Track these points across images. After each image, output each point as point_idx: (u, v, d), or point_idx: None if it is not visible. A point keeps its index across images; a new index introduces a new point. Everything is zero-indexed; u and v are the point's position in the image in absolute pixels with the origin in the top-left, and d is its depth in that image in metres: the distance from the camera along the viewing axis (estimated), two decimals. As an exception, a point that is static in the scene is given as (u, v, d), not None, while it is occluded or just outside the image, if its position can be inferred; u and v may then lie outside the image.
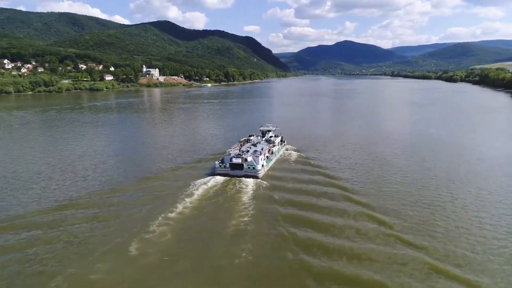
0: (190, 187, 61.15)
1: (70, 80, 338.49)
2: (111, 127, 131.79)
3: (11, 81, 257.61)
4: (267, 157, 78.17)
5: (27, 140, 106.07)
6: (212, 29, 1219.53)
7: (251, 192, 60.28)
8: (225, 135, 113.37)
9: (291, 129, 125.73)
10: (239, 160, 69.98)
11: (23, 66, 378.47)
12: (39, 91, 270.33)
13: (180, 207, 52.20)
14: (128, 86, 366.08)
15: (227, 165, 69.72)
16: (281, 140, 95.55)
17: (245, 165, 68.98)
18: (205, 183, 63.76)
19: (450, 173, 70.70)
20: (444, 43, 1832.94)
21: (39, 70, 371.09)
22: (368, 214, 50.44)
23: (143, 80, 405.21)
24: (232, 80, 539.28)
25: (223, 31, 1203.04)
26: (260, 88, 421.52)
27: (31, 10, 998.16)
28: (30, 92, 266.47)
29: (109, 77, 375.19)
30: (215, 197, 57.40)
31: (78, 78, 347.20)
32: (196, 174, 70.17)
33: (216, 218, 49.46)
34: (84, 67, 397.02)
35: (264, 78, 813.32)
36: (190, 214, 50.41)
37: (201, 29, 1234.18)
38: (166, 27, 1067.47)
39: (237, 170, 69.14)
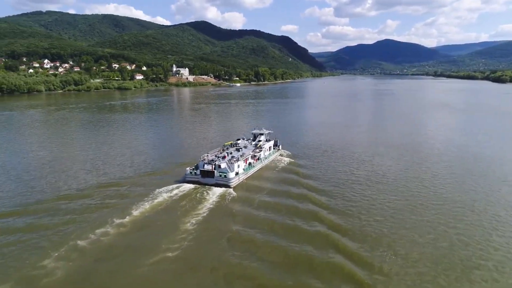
0: (150, 195, 56.14)
1: (102, 79, 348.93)
2: (104, 127, 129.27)
3: (43, 80, 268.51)
4: (249, 163, 71.68)
5: None
6: (249, 29, 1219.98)
7: (212, 205, 53.79)
8: (225, 138, 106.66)
9: (297, 132, 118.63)
10: (210, 167, 64.09)
11: (61, 66, 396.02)
12: (68, 90, 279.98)
13: (121, 220, 47.05)
14: (156, 86, 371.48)
15: (198, 172, 64.09)
16: (276, 145, 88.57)
17: (216, 173, 62.90)
18: (168, 191, 58.51)
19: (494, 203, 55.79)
20: (495, 41, 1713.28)
21: (75, 70, 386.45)
22: (342, 250, 40.58)
23: (172, 80, 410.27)
24: (262, 79, 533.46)
25: (259, 30, 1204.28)
26: (289, 88, 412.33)
27: (79, 13, 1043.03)
28: (60, 91, 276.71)
29: (139, 76, 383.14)
30: (167, 209, 51.61)
31: (109, 77, 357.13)
32: (167, 180, 65.04)
33: (150, 236, 43.33)
34: (117, 66, 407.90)
35: (298, 77, 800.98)
36: (127, 228, 45.09)
37: (237, 29, 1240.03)
38: (203, 27, 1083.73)
39: (208, 177, 63.20)
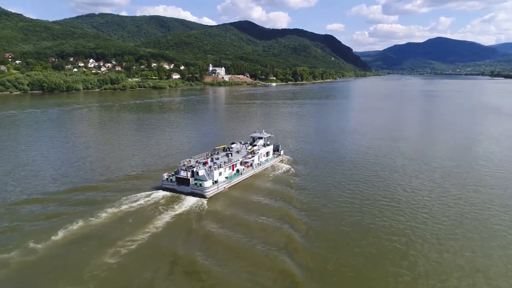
0: (115, 202, 52.51)
1: (139, 78, 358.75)
2: (107, 127, 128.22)
3: (81, 79, 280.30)
4: (237, 170, 65.92)
5: None
6: (295, 28, 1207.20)
7: (173, 219, 48.36)
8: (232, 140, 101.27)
9: (309, 137, 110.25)
10: (186, 174, 59.17)
11: (104, 65, 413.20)
12: (105, 89, 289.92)
13: (65, 230, 43.40)
14: (191, 85, 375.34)
15: (174, 179, 59.43)
16: (277, 150, 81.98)
17: (192, 180, 57.82)
18: (137, 199, 54.33)
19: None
20: None
21: (117, 69, 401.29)
22: None
23: (208, 79, 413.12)
24: (300, 79, 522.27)
25: (302, 29, 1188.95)
26: (326, 89, 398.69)
27: (131, 15, 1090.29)
28: (97, 90, 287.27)
29: (176, 76, 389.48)
30: (120, 220, 47.13)
31: (147, 76, 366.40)
32: (146, 185, 61.26)
33: (76, 254, 38.84)
34: (156, 66, 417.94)
35: (340, 77, 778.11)
36: (65, 241, 41.34)
37: (280, 28, 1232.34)
38: (246, 27, 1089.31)
39: (183, 185, 58.31)
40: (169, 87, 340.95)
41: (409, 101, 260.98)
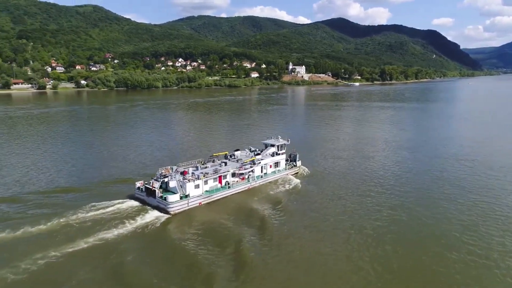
0: (76, 209, 49.08)
1: (219, 76, 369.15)
2: (136, 124, 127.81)
3: (161, 77, 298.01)
4: (226, 183, 57.68)
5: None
6: (393, 24, 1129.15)
7: (118, 237, 42.71)
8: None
9: (347, 148, 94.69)
10: (156, 184, 53.11)
11: (190, 64, 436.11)
12: (182, 87, 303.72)
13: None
14: (268, 84, 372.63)
15: (144, 189, 53.86)
16: (293, 160, 70.99)
17: (157, 193, 51.49)
18: (101, 208, 50.38)
19: None
20: None
21: (201, 67, 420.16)
22: None
23: (286, 78, 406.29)
24: (389, 79, 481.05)
25: (401, 25, 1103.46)
26: (415, 90, 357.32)
27: (230, 16, 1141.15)
28: (175, 87, 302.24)
29: (254, 75, 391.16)
30: (62, 231, 43.46)
31: (227, 75, 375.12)
32: (122, 192, 56.87)
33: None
34: (237, 64, 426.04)
35: (440, 77, 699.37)
36: None
37: (376, 25, 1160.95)
38: (339, 24, 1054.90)
39: (151, 197, 52.39)
40: (245, 85, 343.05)
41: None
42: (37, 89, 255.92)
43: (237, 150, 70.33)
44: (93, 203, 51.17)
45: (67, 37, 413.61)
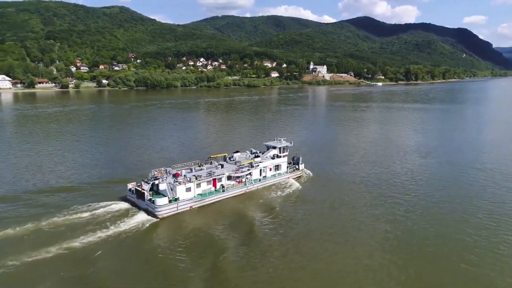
0: (67, 210, 48.58)
1: (239, 76, 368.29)
2: (140, 124, 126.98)
3: (180, 77, 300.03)
4: (221, 186, 55.85)
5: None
6: (421, 22, 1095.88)
7: (99, 240, 41.84)
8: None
9: (357, 151, 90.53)
10: (146, 186, 51.93)
11: (210, 64, 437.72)
12: (201, 86, 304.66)
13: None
14: (288, 83, 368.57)
15: (135, 191, 52.74)
16: (295, 163, 68.34)
17: (146, 195, 50.22)
18: (93, 209, 49.67)
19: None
20: None
21: (222, 67, 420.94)
22: None
23: (307, 78, 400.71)
24: (414, 79, 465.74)
25: (429, 24, 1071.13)
26: (441, 90, 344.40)
27: (254, 16, 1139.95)
28: (194, 87, 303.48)
29: (274, 74, 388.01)
30: (42, 235, 42.63)
31: (246, 74, 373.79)
32: (115, 193, 56.02)
33: None
34: (258, 64, 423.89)
35: (469, 77, 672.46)
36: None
37: (403, 23, 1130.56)
38: (364, 23, 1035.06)
39: (141, 199, 51.21)
40: (264, 85, 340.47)
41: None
42: (60, 88, 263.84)
43: (237, 151, 68.23)
44: (85, 204, 51.14)
45: (93, 37, 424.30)
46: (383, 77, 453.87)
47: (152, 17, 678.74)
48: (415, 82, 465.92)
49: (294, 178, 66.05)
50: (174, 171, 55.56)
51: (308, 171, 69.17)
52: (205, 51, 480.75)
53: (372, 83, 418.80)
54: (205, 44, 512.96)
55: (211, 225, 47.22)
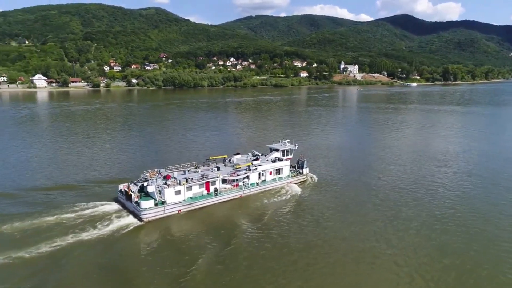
0: (54, 210, 48.37)
1: (267, 76, 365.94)
2: (149, 124, 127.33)
3: (207, 77, 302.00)
4: (214, 189, 53.93)
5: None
6: (465, 19, 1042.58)
7: (77, 242, 41.08)
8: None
9: (372, 155, 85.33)
10: (132, 188, 50.92)
11: (240, 64, 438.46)
12: (227, 86, 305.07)
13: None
14: (317, 83, 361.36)
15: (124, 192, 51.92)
16: (299, 167, 65.15)
17: (133, 197, 49.20)
18: (82, 209, 49.12)
19: None
20: None
21: (251, 67, 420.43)
22: None
23: (337, 77, 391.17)
24: (452, 79, 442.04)
25: (473, 21, 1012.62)
26: (483, 91, 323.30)
27: (289, 15, 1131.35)
28: (221, 86, 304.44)
29: (304, 74, 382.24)
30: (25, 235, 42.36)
31: (275, 74, 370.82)
32: (109, 194, 55.52)
33: None
34: (287, 63, 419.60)
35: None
36: None
37: (445, 21, 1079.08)
38: (402, 21, 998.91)
39: (129, 201, 50.29)
40: (291, 85, 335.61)
41: None
42: (92, 87, 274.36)
43: (237, 153, 65.98)
44: (75, 204, 50.97)
45: (127, 38, 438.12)
46: (418, 77, 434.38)
47: (189, 18, 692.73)
48: (454, 82, 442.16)
49: (297, 183, 62.81)
50: (166, 173, 54.21)
51: (313, 176, 65.62)
52: (235, 51, 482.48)
53: (406, 83, 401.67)
54: (236, 44, 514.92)
55: (195, 231, 45.34)
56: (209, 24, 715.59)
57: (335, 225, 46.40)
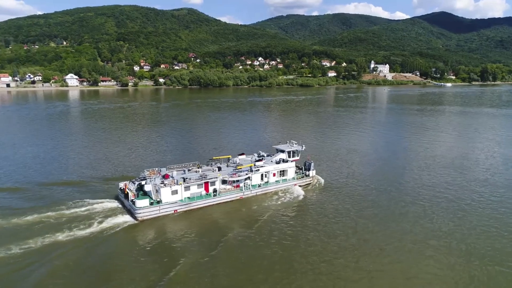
0: (53, 206, 49.67)
1: (294, 75, 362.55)
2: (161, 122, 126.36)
3: (233, 76, 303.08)
4: (214, 190, 53.51)
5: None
6: (509, 16, 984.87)
7: (58, 239, 41.70)
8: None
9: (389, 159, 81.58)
10: (131, 187, 51.27)
11: (268, 63, 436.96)
12: (252, 85, 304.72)
13: None
14: (345, 83, 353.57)
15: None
16: (306, 169, 63.40)
17: (130, 196, 49.62)
18: (80, 206, 50.06)
19: None
20: None
21: (279, 66, 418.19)
22: None
23: (366, 77, 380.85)
24: (491, 79, 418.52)
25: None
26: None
27: (322, 14, 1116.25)
28: (246, 86, 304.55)
29: (332, 74, 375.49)
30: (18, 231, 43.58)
31: (302, 74, 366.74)
32: (110, 190, 56.52)
33: None
34: (315, 63, 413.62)
35: None
36: None
37: (487, 18, 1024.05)
38: (440, 19, 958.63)
39: (126, 199, 50.81)
40: (318, 85, 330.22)
41: None
42: (121, 86, 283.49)
43: (242, 154, 65.13)
44: (75, 200, 51.96)
45: (158, 38, 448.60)
46: (453, 77, 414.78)
47: (221, 18, 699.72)
48: (493, 83, 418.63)
49: (302, 185, 61.03)
50: (165, 172, 54.26)
51: (320, 179, 63.52)
52: (263, 50, 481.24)
53: (440, 83, 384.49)
54: (264, 44, 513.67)
55: (188, 231, 44.92)
56: (240, 24, 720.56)
57: (332, 232, 44.43)
